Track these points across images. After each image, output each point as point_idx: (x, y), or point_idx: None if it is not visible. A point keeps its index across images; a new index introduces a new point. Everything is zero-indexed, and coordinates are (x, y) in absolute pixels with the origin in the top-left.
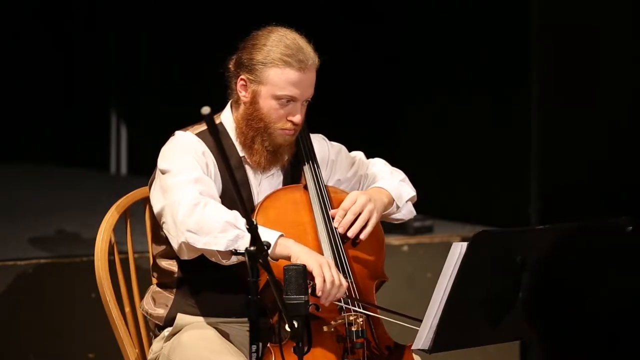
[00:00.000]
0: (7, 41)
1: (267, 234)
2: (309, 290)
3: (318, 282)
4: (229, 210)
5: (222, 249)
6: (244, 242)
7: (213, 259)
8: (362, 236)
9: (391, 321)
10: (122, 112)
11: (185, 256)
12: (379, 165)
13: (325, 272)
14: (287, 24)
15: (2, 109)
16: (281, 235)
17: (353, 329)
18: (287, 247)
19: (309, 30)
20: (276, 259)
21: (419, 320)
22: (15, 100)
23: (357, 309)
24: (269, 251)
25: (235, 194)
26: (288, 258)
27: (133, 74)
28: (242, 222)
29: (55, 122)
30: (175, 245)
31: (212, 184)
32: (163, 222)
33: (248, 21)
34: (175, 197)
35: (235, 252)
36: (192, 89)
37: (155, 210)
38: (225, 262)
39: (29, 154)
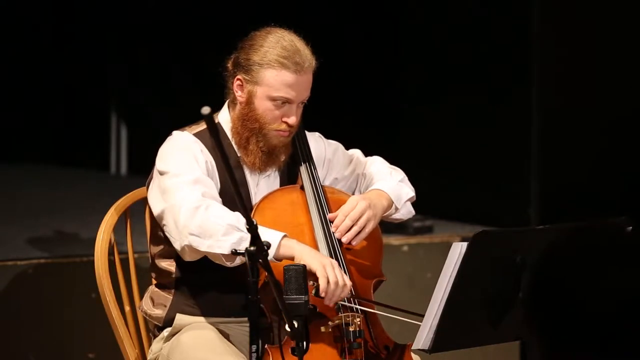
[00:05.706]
0: (7, 41)
1: (270, 235)
2: (313, 292)
3: (322, 282)
4: (232, 212)
5: (225, 252)
6: (247, 244)
7: (217, 262)
8: (355, 242)
9: (391, 318)
10: (122, 112)
11: (188, 258)
12: (377, 165)
13: (329, 273)
14: (286, 23)
15: (2, 109)
16: (285, 236)
17: (351, 329)
18: (290, 247)
19: (308, 29)
20: (280, 260)
21: (419, 315)
22: (16, 100)
23: (357, 306)
24: (273, 252)
25: (235, 194)
26: (292, 258)
27: (133, 74)
28: (244, 224)
29: (55, 122)
30: (177, 248)
31: (212, 184)
32: (164, 225)
33: (248, 21)
34: (176, 199)
35: (235, 252)
36: (192, 89)
37: (155, 212)
38: (229, 264)
39: (29, 154)
